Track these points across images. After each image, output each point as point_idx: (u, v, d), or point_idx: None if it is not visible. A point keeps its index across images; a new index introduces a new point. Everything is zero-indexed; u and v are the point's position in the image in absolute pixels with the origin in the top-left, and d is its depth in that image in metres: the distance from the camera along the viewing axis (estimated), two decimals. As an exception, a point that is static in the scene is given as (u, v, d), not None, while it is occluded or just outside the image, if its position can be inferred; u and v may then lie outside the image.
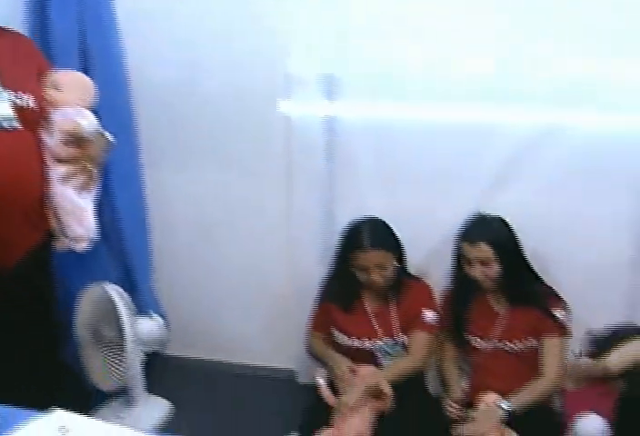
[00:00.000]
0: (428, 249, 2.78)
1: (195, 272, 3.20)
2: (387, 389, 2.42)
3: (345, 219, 2.66)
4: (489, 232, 2.46)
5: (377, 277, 2.52)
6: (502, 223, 2.50)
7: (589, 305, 2.54)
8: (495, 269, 2.45)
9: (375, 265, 2.50)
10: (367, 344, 2.62)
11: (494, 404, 2.37)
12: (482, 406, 2.40)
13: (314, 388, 2.58)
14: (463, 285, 2.57)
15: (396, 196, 2.76)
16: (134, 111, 2.94)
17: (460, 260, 2.53)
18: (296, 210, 2.90)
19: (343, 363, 2.56)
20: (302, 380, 3.08)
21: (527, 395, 2.41)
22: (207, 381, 3.15)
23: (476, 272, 2.45)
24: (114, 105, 2.77)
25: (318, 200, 2.85)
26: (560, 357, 2.48)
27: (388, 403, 2.44)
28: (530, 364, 2.52)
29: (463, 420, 2.40)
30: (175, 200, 3.12)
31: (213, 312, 3.22)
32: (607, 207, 2.57)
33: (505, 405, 2.35)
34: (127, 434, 1.47)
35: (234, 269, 3.13)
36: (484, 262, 2.44)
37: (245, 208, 3.02)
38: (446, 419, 2.46)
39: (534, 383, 2.45)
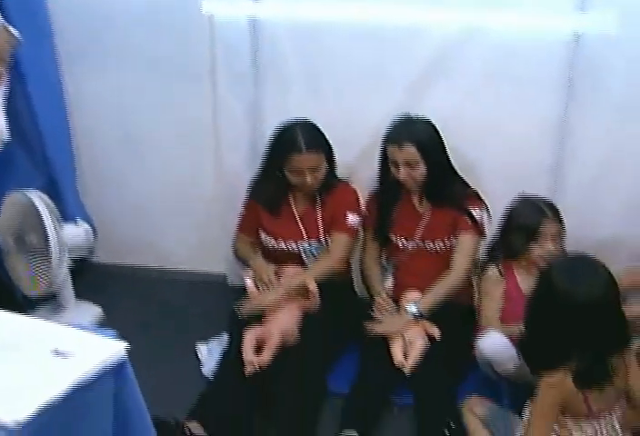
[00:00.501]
0: (356, 151, 2.79)
1: (121, 179, 3.16)
2: (313, 286, 2.49)
3: (272, 121, 2.65)
4: (415, 133, 2.46)
5: (311, 179, 2.52)
6: (428, 125, 2.50)
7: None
8: (420, 170, 2.48)
9: (309, 168, 2.50)
10: (293, 246, 2.66)
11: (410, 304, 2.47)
12: (403, 304, 2.51)
13: (243, 289, 2.64)
14: (388, 187, 2.61)
15: (323, 98, 2.74)
16: (48, 10, 2.80)
17: (386, 162, 2.56)
18: (222, 113, 2.86)
19: (266, 267, 2.61)
20: (232, 282, 3.14)
21: (439, 290, 2.51)
22: (138, 287, 3.18)
23: (402, 173, 2.48)
24: (26, 5, 2.65)
25: (244, 102, 2.81)
26: (471, 254, 2.56)
27: (315, 301, 2.52)
28: (447, 263, 2.60)
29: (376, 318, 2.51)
30: (96, 106, 3.03)
31: (141, 218, 3.20)
32: (531, 110, 2.60)
33: (413, 308, 2.45)
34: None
35: (160, 175, 3.09)
36: (410, 164, 2.46)
37: (170, 112, 2.96)
38: (372, 317, 2.54)
39: (444, 279, 2.54)
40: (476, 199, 2.59)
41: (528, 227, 2.35)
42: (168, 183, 3.09)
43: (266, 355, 2.32)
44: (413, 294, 2.54)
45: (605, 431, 1.81)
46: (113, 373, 1.37)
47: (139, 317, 2.94)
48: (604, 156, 2.60)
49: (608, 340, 1.72)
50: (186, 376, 2.54)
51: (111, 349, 1.35)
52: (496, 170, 2.70)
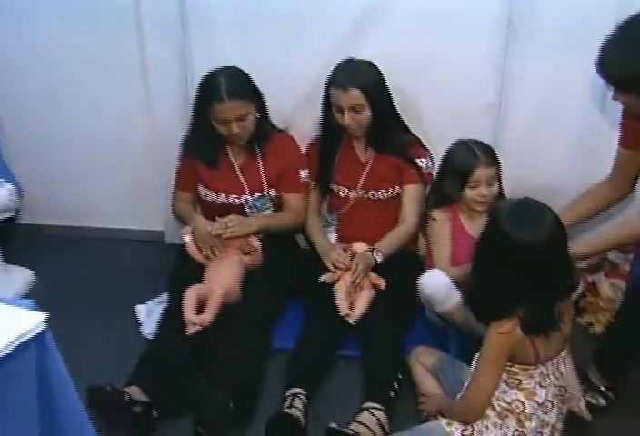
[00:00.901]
0: (294, 99, 2.66)
1: (47, 137, 2.96)
2: (257, 244, 2.41)
3: (201, 67, 2.50)
4: (360, 76, 2.36)
5: (237, 129, 2.41)
6: (372, 68, 2.41)
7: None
8: (365, 115, 2.39)
9: (234, 117, 2.39)
10: (235, 199, 2.56)
11: (367, 253, 2.42)
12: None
13: (182, 247, 2.54)
14: (331, 134, 2.52)
15: (255, 44, 2.59)
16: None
17: (329, 107, 2.45)
18: (151, 62, 2.69)
19: (206, 225, 2.47)
20: (170, 240, 3.02)
21: (390, 242, 2.47)
22: (71, 247, 3.04)
23: (347, 118, 2.39)
24: None
25: (173, 51, 2.64)
26: (419, 204, 2.53)
27: (258, 257, 2.44)
28: (395, 213, 2.57)
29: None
30: (17, 60, 2.81)
31: (71, 176, 3.03)
32: (471, 50, 2.50)
33: (378, 256, 2.41)
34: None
35: (87, 130, 2.91)
36: (354, 109, 2.37)
37: (95, 65, 2.76)
38: (317, 270, 2.47)
39: (395, 230, 2.50)
40: (420, 147, 2.53)
41: (461, 171, 2.31)
42: (96, 138, 2.92)
43: (208, 314, 2.23)
44: (360, 245, 2.48)
45: (552, 377, 1.79)
46: (33, 346, 1.27)
47: (73, 279, 2.82)
48: (545, 96, 2.53)
49: (556, 285, 1.69)
50: (126, 339, 2.44)
51: (29, 321, 1.25)
52: (437, 112, 2.60)
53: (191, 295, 2.27)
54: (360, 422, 1.99)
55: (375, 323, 2.28)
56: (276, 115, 2.58)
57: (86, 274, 2.87)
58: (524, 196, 1.74)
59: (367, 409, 2.04)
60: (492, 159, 2.32)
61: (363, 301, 2.32)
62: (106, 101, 2.83)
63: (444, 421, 1.84)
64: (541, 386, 1.78)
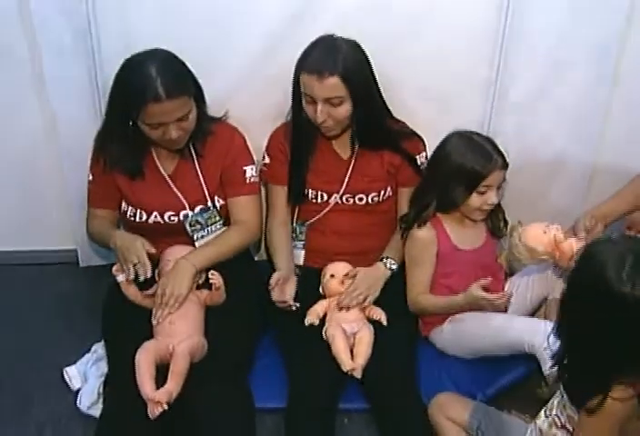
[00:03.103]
0: (229, 79, 2.09)
1: None
2: (219, 280, 1.86)
3: (111, 51, 1.94)
4: (341, 61, 1.83)
5: (177, 133, 1.84)
6: (358, 50, 1.89)
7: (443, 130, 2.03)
8: (343, 109, 1.88)
9: (174, 119, 1.81)
10: (171, 217, 1.99)
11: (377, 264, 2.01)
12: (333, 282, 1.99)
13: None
14: (302, 127, 1.99)
15: (176, 12, 1.98)
16: None
17: (299, 95, 1.91)
18: (45, 44, 2.02)
19: (136, 243, 1.87)
20: (85, 262, 2.42)
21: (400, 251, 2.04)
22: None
23: (320, 113, 1.87)
24: None
25: (72, 25, 1.98)
26: None
27: (221, 295, 1.89)
28: (384, 219, 2.10)
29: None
30: None
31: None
32: (463, 18, 2.02)
33: (392, 264, 2.02)
34: None
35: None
36: (331, 101, 1.85)
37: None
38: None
39: (397, 239, 2.06)
40: (415, 138, 2.06)
41: (474, 176, 1.87)
42: None
43: (173, 385, 1.67)
44: (340, 266, 2.00)
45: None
46: None
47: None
48: (547, 70, 2.11)
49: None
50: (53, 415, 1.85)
51: None
52: (425, 90, 2.12)
53: (145, 364, 1.70)
54: None
55: (384, 369, 1.82)
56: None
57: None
58: (623, 234, 1.33)
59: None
60: (504, 159, 1.90)
61: (364, 345, 1.83)
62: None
63: None
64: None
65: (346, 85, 1.83)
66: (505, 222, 2.06)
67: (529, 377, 1.89)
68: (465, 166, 1.87)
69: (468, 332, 1.94)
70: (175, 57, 1.85)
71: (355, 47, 1.88)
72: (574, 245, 1.80)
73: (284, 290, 1.94)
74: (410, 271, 2.01)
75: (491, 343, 1.90)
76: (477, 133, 1.94)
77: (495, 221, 2.04)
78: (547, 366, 1.64)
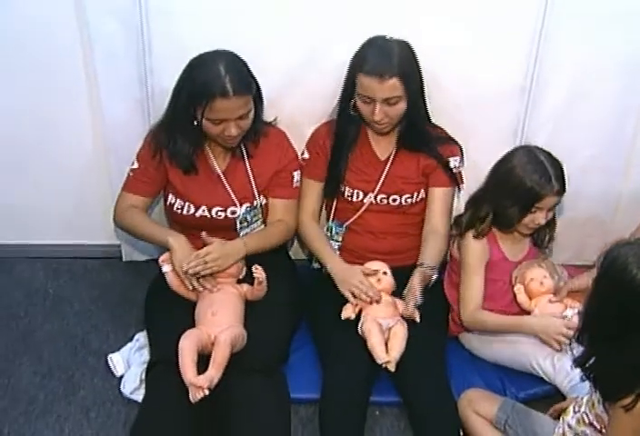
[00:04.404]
0: (277, 83, 2.13)
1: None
2: (262, 274, 1.94)
3: (161, 57, 2.05)
4: (399, 62, 1.90)
5: (236, 130, 1.93)
6: (409, 50, 1.96)
7: (478, 136, 2.16)
8: (399, 108, 1.96)
9: (236, 116, 1.90)
10: (219, 213, 2.07)
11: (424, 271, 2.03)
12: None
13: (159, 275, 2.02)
14: (348, 125, 2.07)
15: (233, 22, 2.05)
16: None
17: (351, 94, 1.99)
18: (97, 43, 2.10)
19: (187, 248, 1.97)
20: (128, 257, 2.52)
21: (436, 257, 2.07)
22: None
23: (379, 112, 1.94)
24: None
25: (125, 26, 2.07)
26: (450, 211, 2.16)
27: (262, 289, 1.97)
28: (416, 221, 2.16)
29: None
30: None
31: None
32: (498, 26, 2.06)
33: (434, 273, 2.04)
34: None
35: (32, 141, 2.33)
36: (389, 101, 1.93)
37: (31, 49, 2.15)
38: (325, 289, 2.03)
39: (434, 243, 2.10)
40: (451, 142, 2.12)
41: (529, 195, 1.91)
42: (40, 149, 2.34)
43: (215, 372, 1.74)
44: (376, 264, 2.06)
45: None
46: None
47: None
48: (579, 79, 2.15)
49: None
50: (98, 399, 1.94)
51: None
52: (460, 93, 2.16)
53: (188, 350, 1.77)
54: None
55: (416, 364, 1.88)
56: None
57: (18, 304, 2.31)
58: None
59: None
60: (563, 185, 1.93)
61: (399, 340, 1.89)
62: (42, 95, 2.23)
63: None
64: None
65: (404, 85, 1.91)
66: (551, 238, 2.10)
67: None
68: (525, 183, 1.90)
69: (495, 349, 2.03)
70: (239, 58, 1.93)
71: (407, 48, 1.96)
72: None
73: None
74: (467, 280, 2.03)
75: (510, 362, 2.00)
76: (546, 153, 1.95)
77: (542, 234, 2.09)
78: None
